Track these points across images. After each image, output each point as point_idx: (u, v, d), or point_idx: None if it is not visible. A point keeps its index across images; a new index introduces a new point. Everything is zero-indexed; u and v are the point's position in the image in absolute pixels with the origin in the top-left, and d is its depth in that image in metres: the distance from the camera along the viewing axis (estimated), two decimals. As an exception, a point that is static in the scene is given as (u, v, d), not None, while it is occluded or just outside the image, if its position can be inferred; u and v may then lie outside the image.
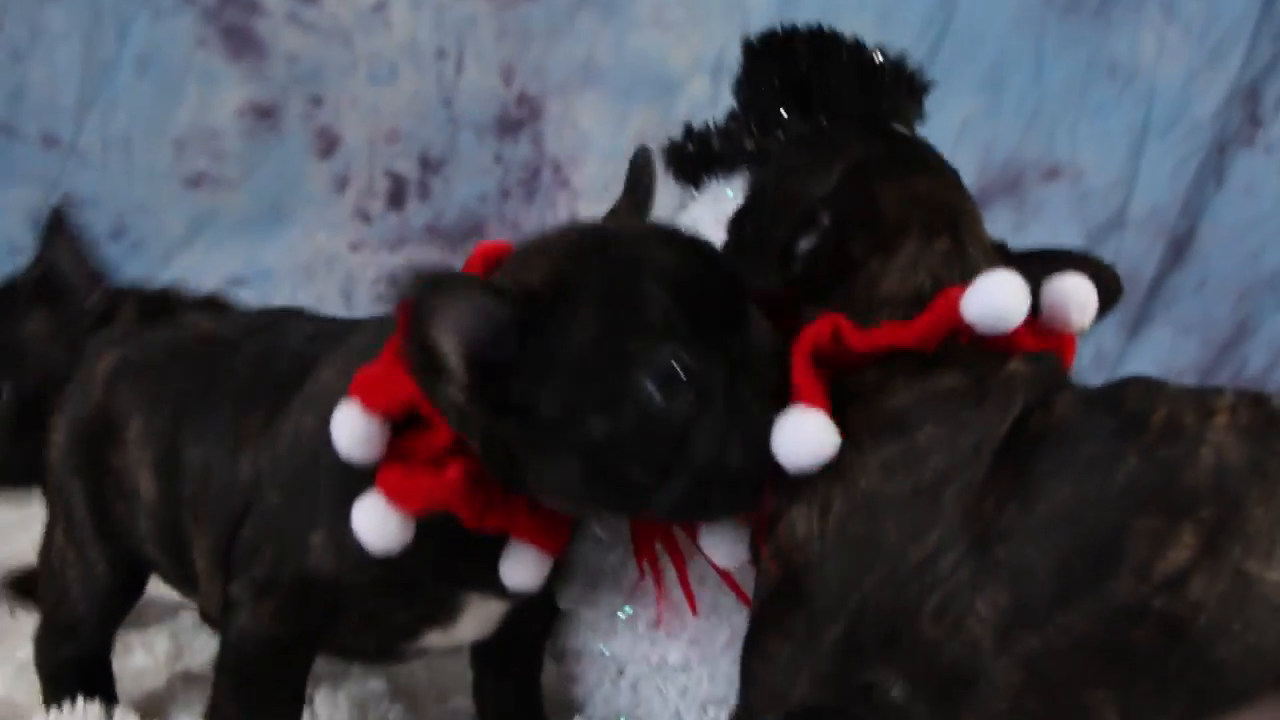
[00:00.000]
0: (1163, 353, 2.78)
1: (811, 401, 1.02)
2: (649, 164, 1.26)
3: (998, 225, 1.21)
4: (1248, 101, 2.81)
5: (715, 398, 1.03)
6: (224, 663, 1.20)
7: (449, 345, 1.01)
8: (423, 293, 0.99)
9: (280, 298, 2.36)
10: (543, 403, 1.03)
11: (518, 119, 2.78)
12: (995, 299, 1.03)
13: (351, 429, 1.09)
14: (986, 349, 1.04)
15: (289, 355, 1.27)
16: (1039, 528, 0.95)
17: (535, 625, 1.33)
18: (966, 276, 1.06)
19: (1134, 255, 2.76)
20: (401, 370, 1.08)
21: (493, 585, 1.16)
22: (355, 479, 1.11)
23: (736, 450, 1.03)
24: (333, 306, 2.63)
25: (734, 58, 2.90)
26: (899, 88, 1.29)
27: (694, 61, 2.76)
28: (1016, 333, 1.05)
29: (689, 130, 1.37)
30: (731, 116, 1.35)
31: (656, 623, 1.26)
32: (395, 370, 1.09)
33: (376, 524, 1.08)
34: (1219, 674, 0.90)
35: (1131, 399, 0.99)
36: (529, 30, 2.74)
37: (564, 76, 2.76)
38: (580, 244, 1.08)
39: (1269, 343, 2.82)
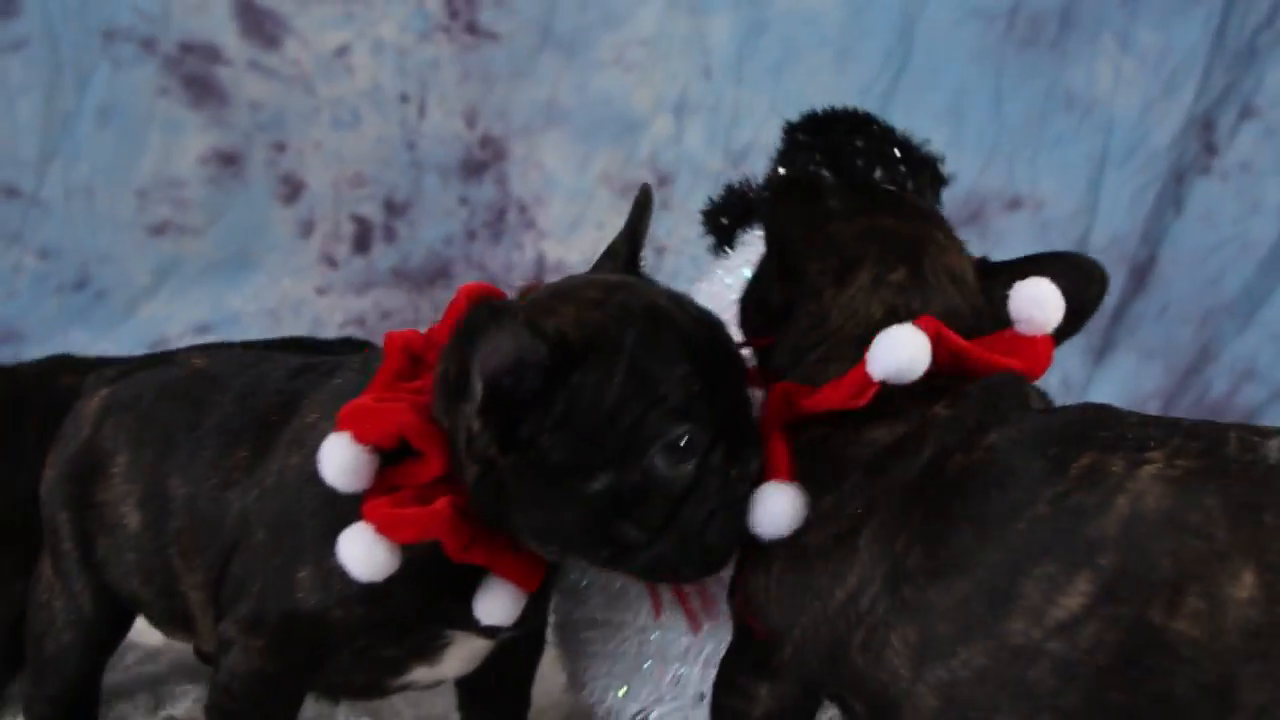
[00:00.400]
0: (1127, 378, 2.79)
1: (785, 477, 1.09)
2: (649, 203, 1.28)
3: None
4: (1203, 130, 2.83)
5: (712, 475, 1.08)
6: (214, 701, 1.20)
7: (477, 367, 1.04)
8: (479, 318, 1.03)
9: (247, 345, 2.34)
10: (553, 447, 1.06)
11: (482, 161, 2.77)
12: (895, 356, 1.08)
13: (340, 459, 1.11)
14: (936, 385, 1.08)
15: (273, 391, 1.29)
16: (941, 569, 0.99)
17: (521, 660, 1.34)
18: (926, 304, 1.13)
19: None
20: (391, 401, 1.11)
21: (474, 623, 1.17)
22: (341, 514, 1.12)
23: (719, 526, 1.09)
24: (300, 352, 2.64)
25: (697, 97, 2.93)
26: (924, 170, 1.35)
27: (656, 101, 2.77)
28: (984, 356, 1.10)
29: (729, 190, 1.45)
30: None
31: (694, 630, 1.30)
32: (384, 402, 1.12)
33: (364, 553, 1.10)
34: (1125, 714, 0.92)
35: (1065, 440, 1.00)
36: (491, 73, 2.74)
37: (527, 118, 2.76)
38: (616, 302, 1.11)
39: (1230, 366, 2.82)
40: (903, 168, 1.33)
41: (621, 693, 1.34)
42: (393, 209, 2.77)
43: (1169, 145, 2.81)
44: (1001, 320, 1.15)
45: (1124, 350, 2.83)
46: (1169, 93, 2.80)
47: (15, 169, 2.67)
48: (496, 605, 1.15)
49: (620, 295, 1.12)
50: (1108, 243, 2.80)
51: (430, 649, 1.21)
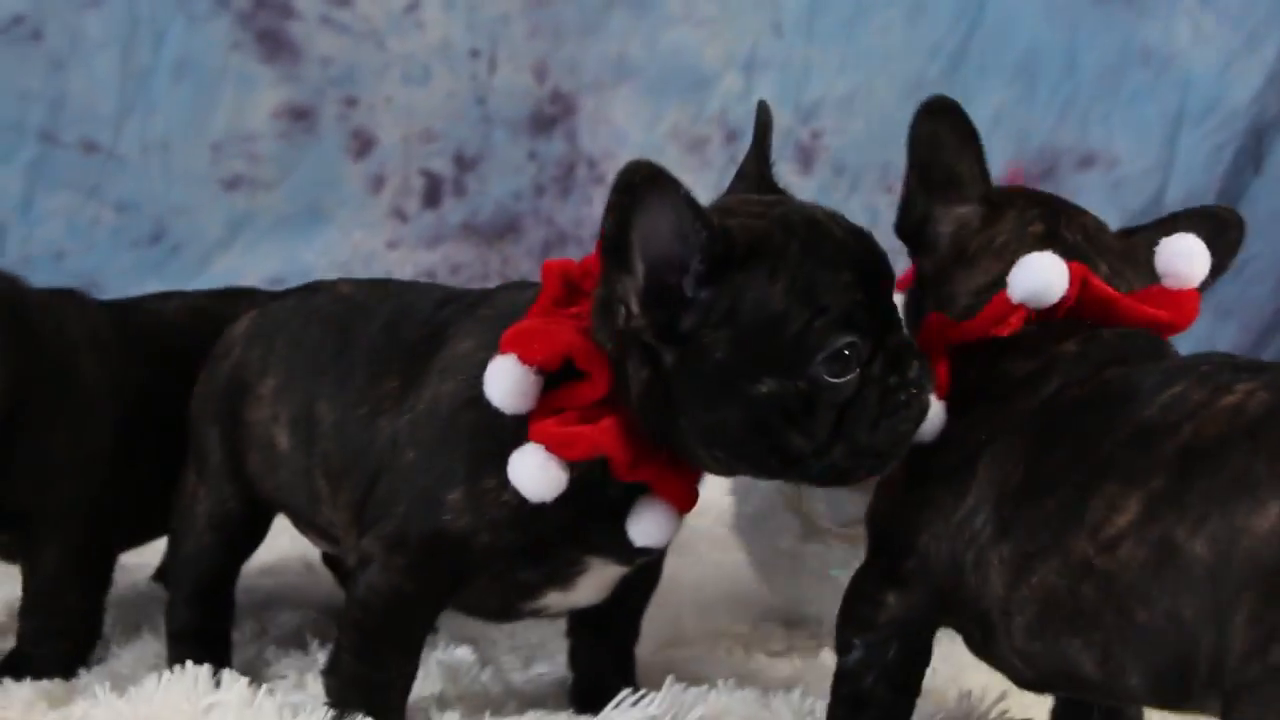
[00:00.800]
0: (1202, 337, 2.71)
1: (941, 395, 1.13)
2: (770, 119, 1.26)
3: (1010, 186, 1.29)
4: (1284, 88, 2.78)
5: (873, 384, 1.08)
6: (350, 617, 1.22)
7: (637, 239, 1.04)
8: (642, 183, 1.02)
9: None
10: (716, 345, 1.06)
11: (551, 116, 2.76)
12: (1032, 279, 1.11)
13: (507, 380, 1.11)
14: (1083, 321, 1.12)
15: (420, 322, 1.29)
16: (1035, 488, 1.02)
17: (638, 594, 1.35)
18: (1067, 254, 1.14)
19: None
20: (555, 324, 1.13)
21: (615, 550, 1.19)
22: (497, 438, 1.14)
23: (885, 433, 1.09)
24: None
25: (767, 53, 2.91)
26: None
27: (727, 57, 2.74)
28: (1131, 304, 1.12)
29: None
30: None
31: None
32: (549, 324, 1.13)
33: (536, 473, 1.11)
34: (1145, 635, 0.94)
35: (1168, 374, 1.02)
36: (561, 28, 2.72)
37: (597, 73, 2.74)
38: (777, 214, 1.11)
39: None
40: None
41: None
42: (462, 164, 2.76)
43: (1249, 102, 2.75)
44: (1148, 277, 1.17)
45: (1201, 308, 2.77)
46: (1250, 48, 2.75)
47: (93, 124, 2.68)
48: (654, 526, 1.16)
49: (779, 209, 1.12)
50: (1182, 201, 2.74)
51: (567, 575, 1.21)
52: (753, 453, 1.10)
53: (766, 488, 1.56)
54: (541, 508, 1.13)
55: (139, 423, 1.48)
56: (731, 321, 1.06)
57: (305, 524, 1.40)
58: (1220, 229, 1.21)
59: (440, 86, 2.73)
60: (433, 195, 2.75)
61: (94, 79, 2.68)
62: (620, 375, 1.12)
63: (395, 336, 1.30)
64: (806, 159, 2.75)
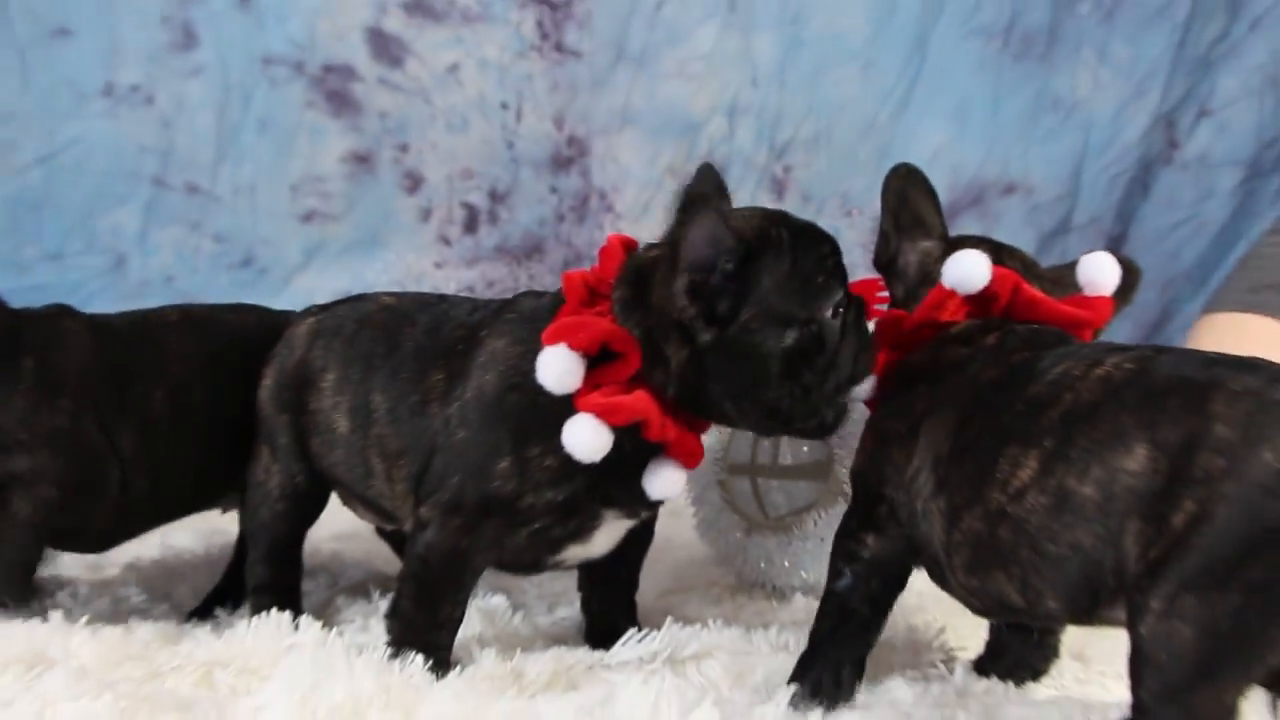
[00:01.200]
0: (1104, 336, 2.73)
1: (877, 373, 1.19)
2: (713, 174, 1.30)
3: (965, 233, 1.31)
4: (1167, 128, 2.74)
5: (851, 326, 1.17)
6: (410, 570, 1.21)
7: (687, 248, 1.11)
8: (693, 206, 1.12)
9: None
10: (751, 319, 1.13)
11: (569, 157, 2.73)
12: (958, 269, 1.14)
13: (559, 365, 1.13)
14: (1007, 320, 1.14)
15: (456, 325, 1.29)
16: (960, 452, 1.05)
17: (636, 550, 1.34)
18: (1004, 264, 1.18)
19: (1078, 256, 2.70)
20: (590, 317, 1.16)
21: (628, 505, 1.22)
22: (540, 415, 1.16)
23: (862, 364, 1.18)
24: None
25: (746, 101, 2.87)
26: None
27: (712, 106, 2.72)
28: (1056, 305, 1.15)
29: None
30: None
31: None
32: (585, 318, 1.16)
33: (590, 437, 1.12)
34: (1055, 565, 0.97)
35: (1057, 355, 1.05)
36: (576, 84, 2.70)
37: (606, 121, 2.72)
38: (764, 215, 1.19)
39: (1186, 324, 2.68)
40: None
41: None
42: (495, 197, 2.74)
43: (1138, 140, 2.73)
44: (1069, 290, 1.20)
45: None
46: (1138, 96, 2.72)
47: (195, 171, 2.68)
48: (667, 481, 1.18)
49: (758, 212, 1.20)
50: (1087, 222, 2.74)
51: (586, 529, 1.22)
52: (775, 397, 1.14)
53: (715, 498, 1.58)
54: (575, 469, 1.14)
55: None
56: (757, 298, 1.12)
57: (355, 497, 1.38)
58: (1125, 273, 1.23)
59: (477, 134, 2.71)
60: (471, 223, 2.73)
61: (195, 134, 2.68)
62: (647, 355, 1.15)
63: (437, 338, 1.30)
64: (779, 189, 2.73)
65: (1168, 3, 2.70)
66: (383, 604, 1.33)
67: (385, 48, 2.68)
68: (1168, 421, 0.91)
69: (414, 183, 2.73)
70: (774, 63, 2.70)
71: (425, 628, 1.20)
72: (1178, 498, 0.89)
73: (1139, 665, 0.90)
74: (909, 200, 1.24)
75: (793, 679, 1.10)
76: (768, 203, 2.56)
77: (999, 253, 1.20)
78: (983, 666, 1.21)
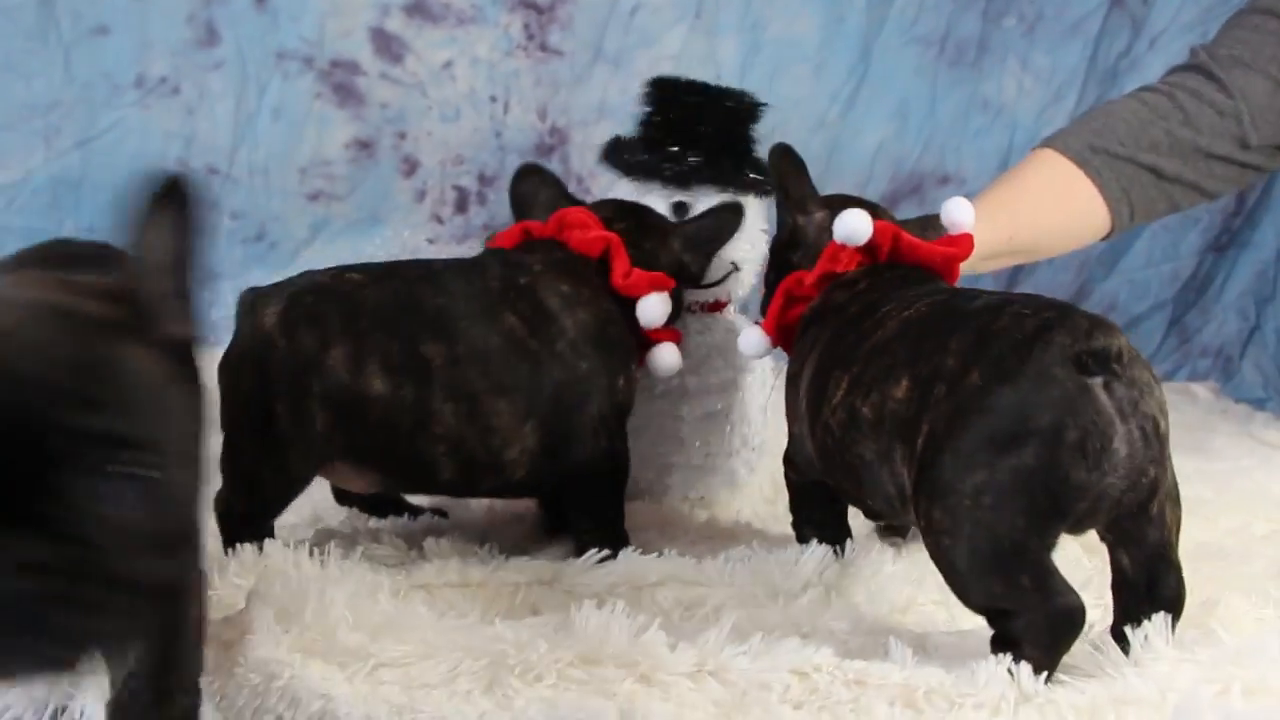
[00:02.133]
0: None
1: (767, 327, 1.24)
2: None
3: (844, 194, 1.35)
4: (1081, 129, 2.73)
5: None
6: (606, 482, 1.23)
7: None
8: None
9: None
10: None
11: (550, 145, 2.65)
12: (845, 225, 1.15)
13: (661, 307, 1.26)
14: (899, 263, 1.15)
15: (491, 278, 1.19)
16: (814, 376, 1.06)
17: None
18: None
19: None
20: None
21: None
22: (628, 343, 1.25)
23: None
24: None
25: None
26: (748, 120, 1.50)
27: (679, 102, 2.67)
28: (929, 246, 1.16)
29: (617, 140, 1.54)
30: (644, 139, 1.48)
31: None
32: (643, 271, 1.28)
33: (673, 358, 1.29)
34: (854, 471, 1.00)
35: (897, 300, 1.04)
36: (558, 80, 2.63)
37: (584, 114, 2.64)
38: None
39: (1098, 303, 2.66)
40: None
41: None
42: (484, 180, 2.66)
43: (1057, 139, 2.71)
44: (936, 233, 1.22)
45: (1024, 289, 2.71)
46: (1056, 101, 2.68)
47: (215, 154, 2.58)
48: (669, 358, 1.31)
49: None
50: (1011, 210, 2.70)
51: None
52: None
53: None
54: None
55: None
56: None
57: (382, 456, 1.15)
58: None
59: (468, 124, 2.63)
60: (462, 204, 2.64)
61: (215, 121, 2.59)
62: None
63: (480, 288, 1.16)
64: (737, 178, 2.68)
65: (1081, 20, 2.67)
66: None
67: (387, 45, 2.60)
68: (923, 358, 0.91)
69: (411, 167, 2.64)
70: (735, 63, 2.63)
71: (622, 523, 1.23)
72: (920, 423, 0.88)
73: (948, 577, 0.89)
74: (789, 179, 1.23)
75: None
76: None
77: (874, 209, 1.22)
78: None
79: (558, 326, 1.18)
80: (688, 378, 1.44)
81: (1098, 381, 0.81)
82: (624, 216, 1.32)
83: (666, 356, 1.29)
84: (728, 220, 1.35)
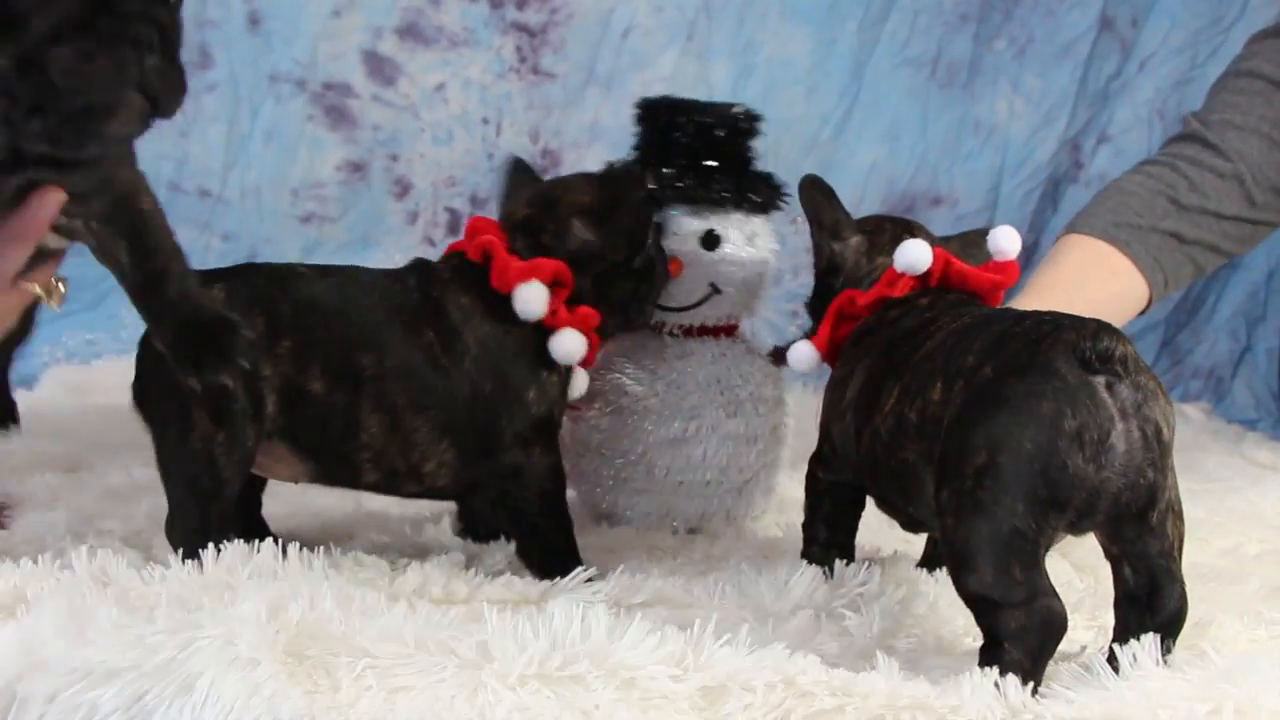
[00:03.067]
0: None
1: (818, 342, 1.25)
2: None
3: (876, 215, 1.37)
4: (1072, 151, 2.71)
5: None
6: (537, 504, 1.21)
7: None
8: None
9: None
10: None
11: (542, 168, 2.61)
12: (906, 254, 1.19)
13: (540, 297, 1.18)
14: (942, 289, 1.19)
15: (406, 290, 1.20)
16: (865, 384, 1.10)
17: None
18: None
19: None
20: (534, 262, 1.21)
21: None
22: (531, 348, 1.20)
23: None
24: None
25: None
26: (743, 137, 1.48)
27: (671, 124, 2.68)
28: (977, 273, 1.20)
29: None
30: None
31: None
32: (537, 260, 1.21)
33: (577, 345, 1.21)
34: (899, 477, 1.04)
35: (949, 317, 1.08)
36: (550, 103, 2.65)
37: (576, 136, 2.65)
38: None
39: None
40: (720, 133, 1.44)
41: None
42: (476, 203, 2.66)
43: (1048, 161, 2.69)
44: (981, 258, 1.25)
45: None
46: (1047, 123, 2.69)
47: (206, 176, 2.60)
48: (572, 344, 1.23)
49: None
50: (1003, 232, 2.72)
51: None
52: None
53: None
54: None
55: None
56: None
57: (322, 452, 1.19)
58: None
59: (460, 146, 2.64)
60: (454, 226, 2.65)
61: (207, 143, 2.60)
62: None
63: (400, 301, 1.18)
64: (730, 199, 2.68)
65: (1071, 43, 2.69)
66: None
67: (379, 68, 2.62)
68: (953, 361, 0.96)
69: (403, 189, 2.66)
70: (727, 86, 2.65)
71: (571, 540, 1.21)
72: (945, 416, 0.94)
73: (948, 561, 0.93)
74: (820, 209, 1.28)
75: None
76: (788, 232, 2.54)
77: (909, 227, 1.27)
78: None
79: (461, 343, 1.18)
80: (657, 399, 1.41)
81: (1100, 380, 0.85)
82: (532, 204, 1.26)
83: (564, 343, 1.19)
84: (620, 186, 1.24)
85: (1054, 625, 0.85)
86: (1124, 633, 0.91)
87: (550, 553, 1.18)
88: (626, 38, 2.65)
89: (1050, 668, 0.87)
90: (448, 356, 1.17)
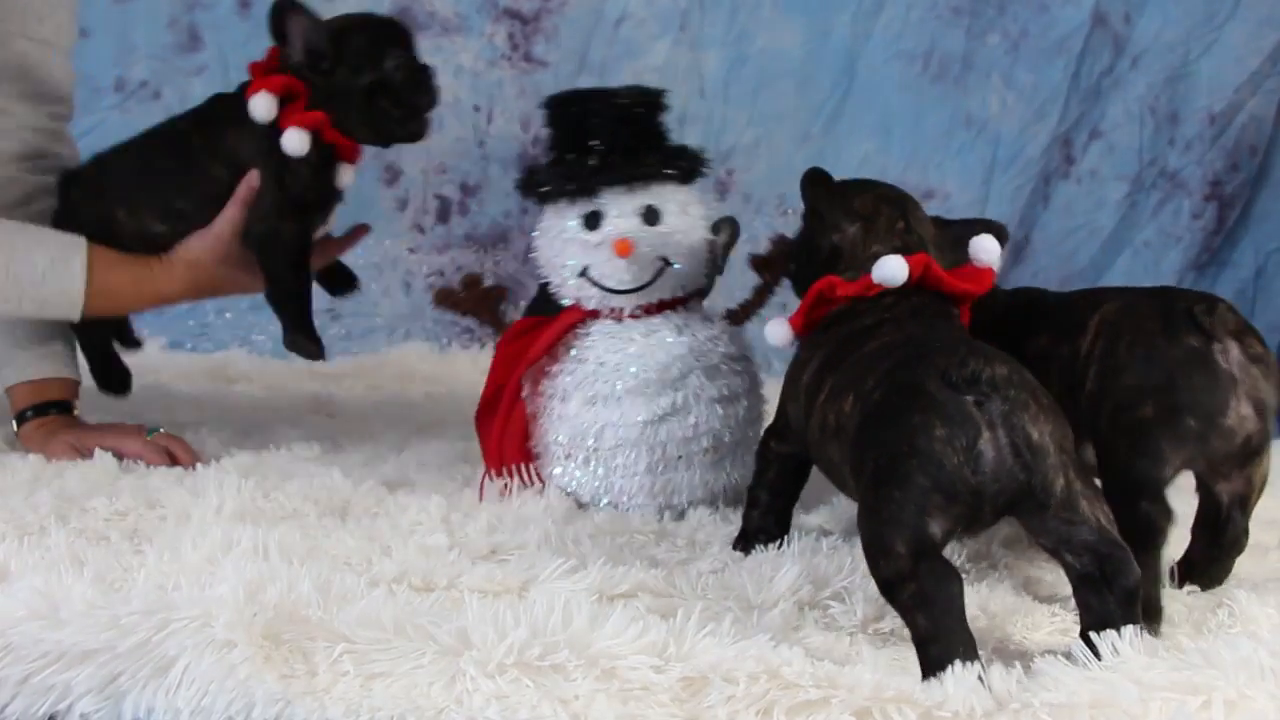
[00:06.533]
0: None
1: (794, 320, 1.26)
2: None
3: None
4: (1063, 146, 2.69)
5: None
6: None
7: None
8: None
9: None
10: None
11: (533, 156, 2.62)
12: (883, 271, 1.19)
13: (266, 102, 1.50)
14: (924, 290, 1.21)
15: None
16: (815, 373, 1.17)
17: None
18: (920, 244, 1.24)
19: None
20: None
21: None
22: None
23: None
24: (396, 294, 2.62)
25: (694, 111, 2.85)
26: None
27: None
28: (952, 278, 1.21)
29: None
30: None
31: None
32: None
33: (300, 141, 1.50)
34: (832, 466, 1.13)
35: (895, 325, 1.16)
36: (541, 91, 2.54)
37: (568, 124, 2.66)
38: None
39: None
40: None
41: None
42: (466, 190, 2.65)
43: (1039, 156, 2.68)
44: (953, 256, 1.27)
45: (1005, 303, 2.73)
46: (1039, 118, 2.68)
47: (194, 160, 2.60)
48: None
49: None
50: (994, 227, 2.72)
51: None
52: None
53: None
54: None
55: None
56: None
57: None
58: (998, 233, 1.31)
59: (451, 133, 2.61)
60: (444, 214, 2.63)
61: (196, 127, 2.59)
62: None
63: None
64: (723, 190, 2.64)
65: (1064, 39, 2.68)
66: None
67: (370, 53, 2.61)
68: (863, 379, 1.05)
69: (393, 176, 2.63)
70: (719, 77, 2.63)
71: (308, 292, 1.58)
72: (850, 426, 1.05)
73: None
74: (820, 202, 1.29)
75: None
76: (712, 202, 2.52)
77: (908, 219, 1.27)
78: None
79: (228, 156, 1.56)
80: (636, 380, 1.41)
81: (968, 398, 0.95)
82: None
83: (288, 139, 1.48)
84: (354, 19, 1.57)
85: (946, 581, 0.91)
86: (1088, 613, 0.95)
87: (289, 297, 1.49)
88: (619, 26, 2.64)
89: (1037, 661, 0.87)
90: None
